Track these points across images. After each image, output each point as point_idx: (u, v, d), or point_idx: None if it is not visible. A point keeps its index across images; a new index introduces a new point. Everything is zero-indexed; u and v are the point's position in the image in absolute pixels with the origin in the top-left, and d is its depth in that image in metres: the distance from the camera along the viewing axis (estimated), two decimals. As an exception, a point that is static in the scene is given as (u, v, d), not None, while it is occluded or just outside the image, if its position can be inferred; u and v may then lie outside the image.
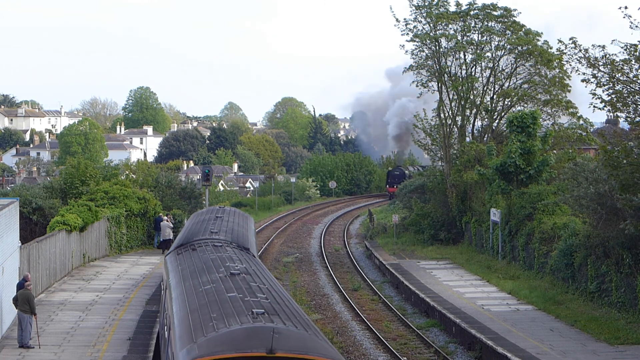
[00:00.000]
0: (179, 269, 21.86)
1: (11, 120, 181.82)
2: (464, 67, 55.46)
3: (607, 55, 32.50)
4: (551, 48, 52.81)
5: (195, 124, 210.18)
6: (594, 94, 32.81)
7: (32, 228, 44.63)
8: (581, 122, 53.05)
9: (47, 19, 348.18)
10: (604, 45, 32.62)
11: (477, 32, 54.93)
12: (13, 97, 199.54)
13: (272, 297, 17.55)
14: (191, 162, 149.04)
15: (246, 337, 14.26)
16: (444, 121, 55.99)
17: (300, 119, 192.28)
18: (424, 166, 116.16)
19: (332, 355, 14.49)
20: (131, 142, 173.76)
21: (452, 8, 55.26)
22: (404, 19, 55.69)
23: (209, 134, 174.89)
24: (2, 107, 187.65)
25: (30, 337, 26.21)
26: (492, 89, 55.54)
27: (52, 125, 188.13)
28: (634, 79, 32.01)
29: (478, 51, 54.57)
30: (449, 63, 55.47)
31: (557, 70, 53.22)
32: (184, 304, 17.73)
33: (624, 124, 43.93)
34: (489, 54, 54.96)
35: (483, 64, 54.83)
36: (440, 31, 54.84)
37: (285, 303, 17.32)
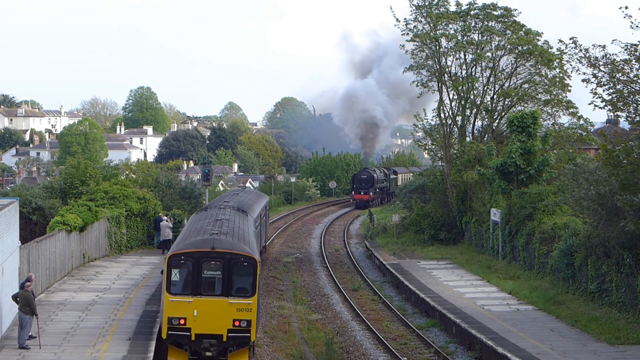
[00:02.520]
0: (192, 220, 35.22)
1: (11, 120, 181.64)
2: (464, 67, 55.39)
3: (608, 55, 32.49)
4: (551, 48, 52.79)
5: (195, 124, 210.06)
6: (595, 93, 32.78)
7: (32, 228, 44.60)
8: (581, 122, 52.99)
9: (47, 19, 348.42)
10: (604, 45, 32.64)
11: (477, 32, 54.84)
12: (13, 97, 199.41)
13: (232, 228, 30.93)
14: (191, 162, 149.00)
15: (201, 242, 27.52)
16: (444, 121, 55.96)
17: (300, 119, 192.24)
18: (388, 168, 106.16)
19: (245, 250, 27.47)
20: (131, 142, 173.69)
21: (452, 8, 55.21)
22: (404, 18, 55.67)
23: (209, 134, 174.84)
24: (2, 107, 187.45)
25: (27, 338, 26.20)
26: (493, 88, 55.49)
27: (52, 125, 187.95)
28: (635, 78, 31.97)
29: (478, 51, 54.49)
30: (449, 63, 55.45)
31: (558, 70, 53.16)
32: (183, 234, 31.39)
33: (624, 124, 43.91)
34: (489, 53, 54.88)
35: (483, 63, 54.74)
36: (440, 31, 54.77)
37: (237, 230, 31.00)
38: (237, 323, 26.73)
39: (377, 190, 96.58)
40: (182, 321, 26.57)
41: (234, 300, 26.73)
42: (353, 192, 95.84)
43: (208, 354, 26.71)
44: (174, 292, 26.85)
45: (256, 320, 27.28)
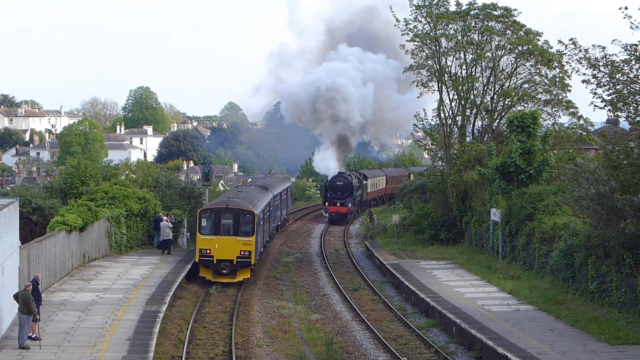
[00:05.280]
0: (226, 192, 52.76)
1: (11, 120, 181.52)
2: (464, 67, 55.38)
3: (607, 56, 32.45)
4: (551, 48, 52.80)
5: (195, 124, 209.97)
6: (595, 94, 32.76)
7: (32, 228, 44.61)
8: (581, 122, 52.99)
9: (46, 18, 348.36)
10: (604, 46, 32.62)
11: (477, 32, 54.81)
12: (13, 97, 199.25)
13: (244, 196, 46.73)
14: (191, 162, 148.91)
15: (219, 201, 45.39)
16: (444, 121, 55.95)
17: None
18: (360, 171, 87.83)
19: (248, 207, 43.66)
20: (131, 142, 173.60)
21: (452, 8, 55.17)
22: (404, 18, 55.61)
23: (209, 134, 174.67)
24: (2, 107, 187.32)
25: (27, 337, 26.21)
26: (493, 88, 55.48)
27: (52, 125, 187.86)
28: (635, 79, 31.94)
29: (478, 51, 54.47)
30: (449, 63, 55.41)
31: (558, 70, 53.15)
32: (215, 199, 51.32)
33: (624, 124, 43.89)
34: (489, 53, 54.85)
35: (483, 63, 54.72)
36: (440, 31, 54.73)
37: (248, 197, 46.64)
38: (242, 252, 42.44)
39: (355, 200, 78.57)
40: (208, 251, 42.47)
41: (241, 238, 42.71)
42: (326, 203, 76.26)
43: (224, 271, 42.43)
44: (203, 233, 42.84)
45: (255, 251, 42.74)
